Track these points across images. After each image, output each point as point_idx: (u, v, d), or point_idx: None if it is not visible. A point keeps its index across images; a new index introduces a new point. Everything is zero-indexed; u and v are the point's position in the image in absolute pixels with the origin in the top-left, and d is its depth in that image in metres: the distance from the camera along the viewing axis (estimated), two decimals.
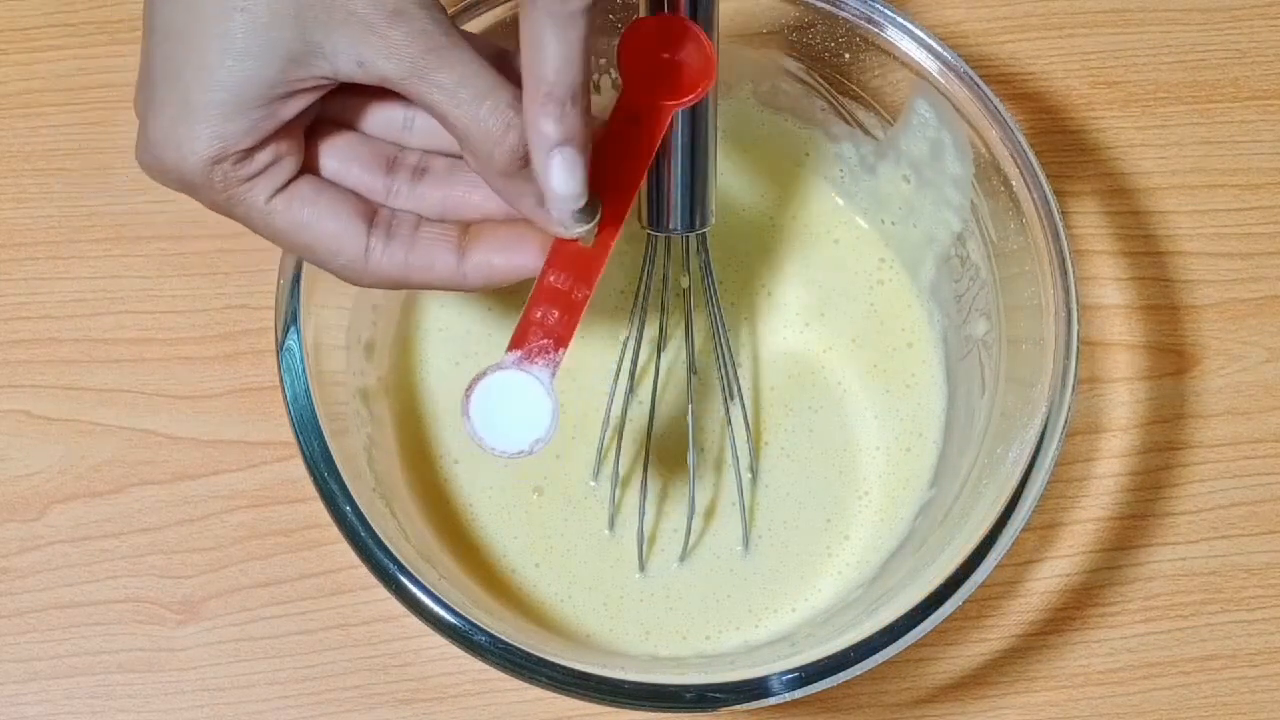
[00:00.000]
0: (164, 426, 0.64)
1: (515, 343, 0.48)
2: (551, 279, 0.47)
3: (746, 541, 0.61)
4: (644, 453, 0.60)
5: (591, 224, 0.46)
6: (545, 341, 0.48)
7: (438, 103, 0.44)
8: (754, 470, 0.62)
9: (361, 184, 0.48)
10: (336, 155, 0.48)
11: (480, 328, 0.63)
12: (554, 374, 0.48)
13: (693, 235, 0.54)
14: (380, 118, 0.48)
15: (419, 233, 0.47)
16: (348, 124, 0.48)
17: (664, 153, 0.52)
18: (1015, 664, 0.63)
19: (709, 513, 0.62)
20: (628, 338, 0.59)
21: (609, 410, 0.60)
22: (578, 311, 0.48)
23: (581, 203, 0.44)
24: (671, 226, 0.53)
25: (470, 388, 0.48)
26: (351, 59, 0.43)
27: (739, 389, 0.61)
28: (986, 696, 0.62)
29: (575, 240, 0.47)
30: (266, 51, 0.43)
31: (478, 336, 0.63)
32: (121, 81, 0.66)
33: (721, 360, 0.60)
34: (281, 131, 0.45)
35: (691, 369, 0.60)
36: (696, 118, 0.52)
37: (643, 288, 0.57)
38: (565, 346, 0.48)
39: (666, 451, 0.62)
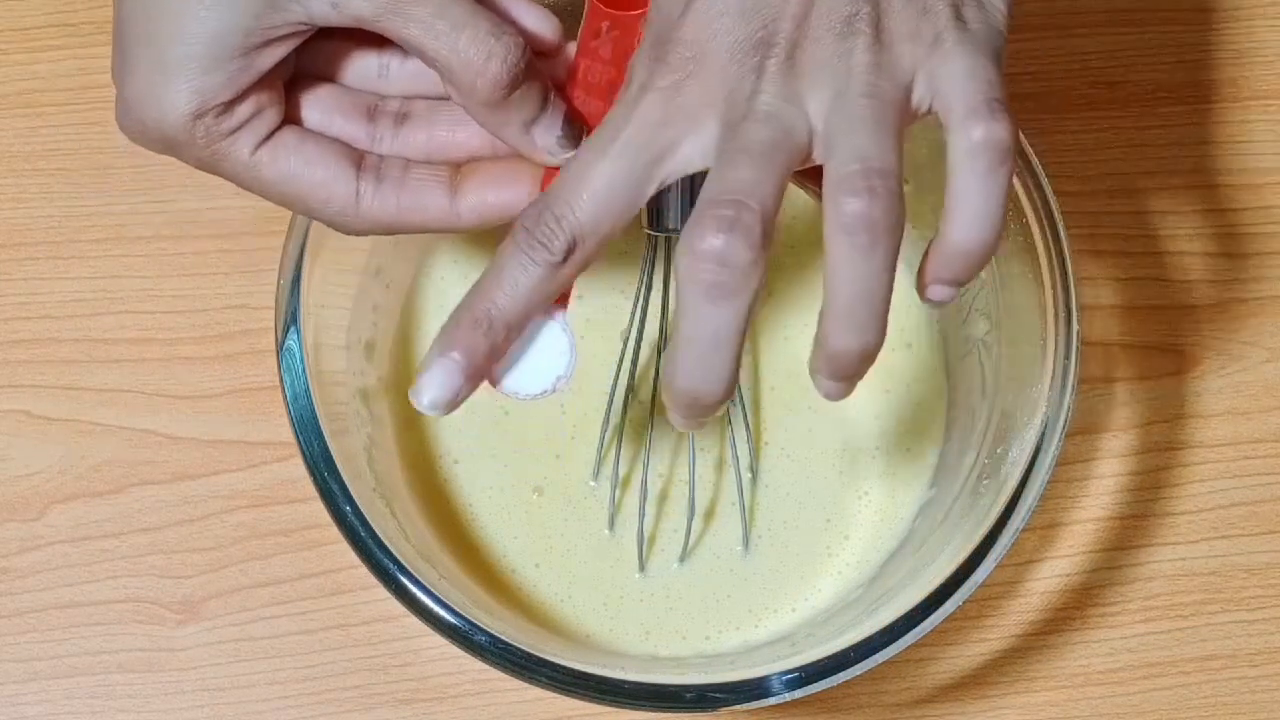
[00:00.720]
0: (164, 426, 0.64)
1: None
2: None
3: (746, 541, 0.61)
4: (644, 453, 0.60)
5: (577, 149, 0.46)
6: None
7: (415, 37, 0.43)
8: (754, 470, 0.62)
9: (345, 133, 0.47)
10: (318, 107, 0.47)
11: None
12: (565, 309, 0.47)
13: None
14: (356, 67, 0.48)
15: (409, 175, 0.47)
16: (326, 77, 0.48)
17: None
18: (1015, 664, 0.63)
19: (709, 513, 0.62)
20: (628, 337, 0.59)
21: (609, 410, 0.60)
22: None
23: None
24: (672, 226, 0.53)
25: None
26: (324, 0, 0.43)
27: (739, 389, 0.61)
28: (986, 696, 0.62)
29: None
30: (238, 0, 0.43)
31: None
32: None
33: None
34: (261, 83, 0.45)
35: None
36: None
37: (643, 287, 0.57)
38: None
39: (666, 452, 0.62)
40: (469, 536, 0.61)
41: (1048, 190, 0.56)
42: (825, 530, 0.62)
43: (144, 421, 0.64)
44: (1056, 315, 0.54)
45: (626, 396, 0.61)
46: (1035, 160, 0.56)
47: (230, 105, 0.44)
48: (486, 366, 0.44)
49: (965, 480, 0.57)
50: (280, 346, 0.54)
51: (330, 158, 0.46)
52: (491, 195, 0.47)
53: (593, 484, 0.62)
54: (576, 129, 0.46)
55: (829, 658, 0.51)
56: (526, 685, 0.51)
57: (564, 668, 0.51)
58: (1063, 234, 0.55)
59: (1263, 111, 0.70)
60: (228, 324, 0.65)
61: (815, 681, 0.51)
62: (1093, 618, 0.63)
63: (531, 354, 0.47)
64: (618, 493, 0.61)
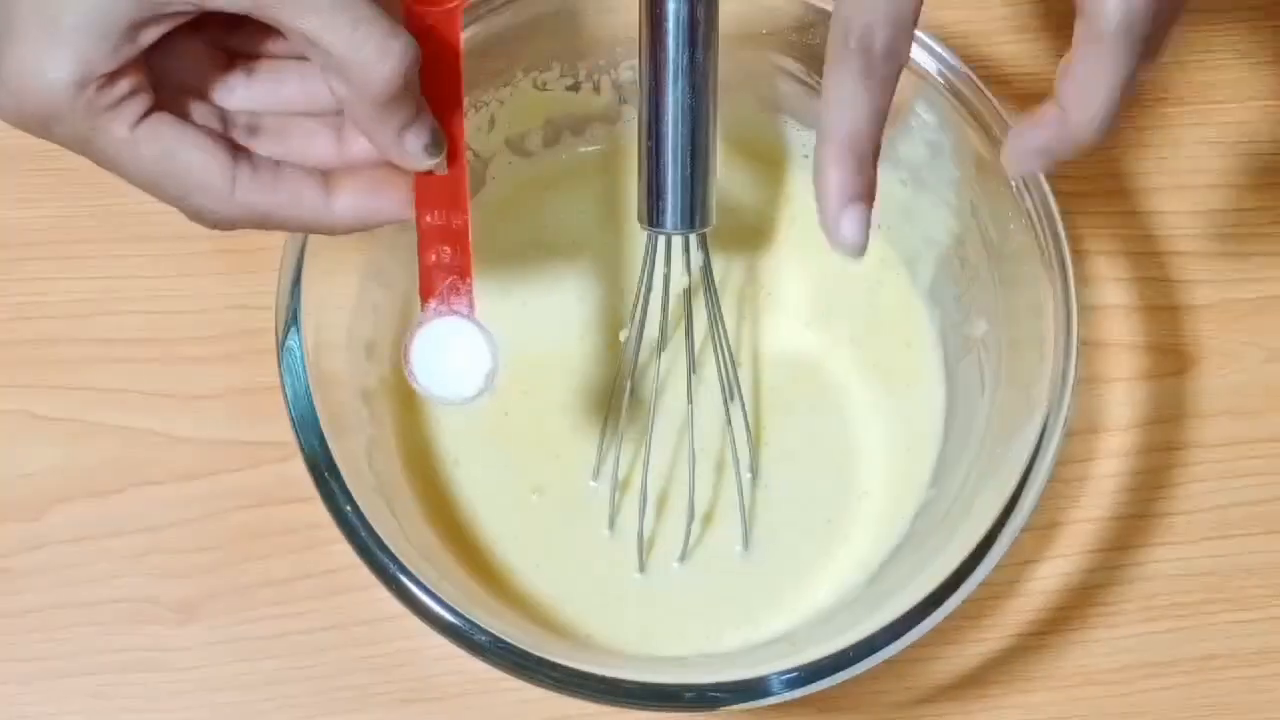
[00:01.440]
0: (164, 426, 0.64)
1: (425, 293, 0.48)
2: (428, 219, 0.48)
3: (746, 542, 0.61)
4: (644, 453, 0.60)
5: (442, 154, 0.47)
6: (451, 279, 0.48)
7: (313, 28, 0.43)
8: (754, 471, 0.62)
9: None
10: (176, 107, 0.47)
11: None
12: (472, 306, 0.48)
13: (692, 235, 0.55)
14: (204, 79, 0.48)
15: (282, 168, 0.47)
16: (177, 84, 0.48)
17: (662, 151, 0.52)
18: (1015, 664, 0.63)
19: (709, 513, 0.62)
20: (628, 337, 0.59)
21: (609, 410, 0.60)
22: (465, 238, 0.48)
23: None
24: (670, 226, 0.53)
25: (405, 353, 0.48)
26: None
27: (739, 389, 0.61)
28: (986, 696, 0.62)
29: (431, 172, 0.48)
30: None
31: None
32: None
33: (721, 361, 0.60)
34: (137, 63, 0.45)
35: (691, 369, 0.60)
36: (696, 118, 0.52)
37: (643, 288, 0.57)
38: (469, 276, 0.48)
39: (666, 452, 0.62)
40: (469, 536, 0.61)
41: (1047, 190, 0.56)
42: (825, 531, 0.62)
43: (144, 421, 0.64)
44: (1056, 315, 0.55)
45: (626, 397, 0.61)
46: None
47: (112, 78, 0.44)
48: (875, 189, 0.47)
49: (965, 480, 0.57)
50: (280, 346, 0.54)
51: (206, 141, 0.46)
52: (367, 200, 0.48)
53: (593, 484, 0.62)
54: (440, 136, 0.47)
55: (829, 657, 0.51)
56: (526, 685, 0.51)
57: (564, 668, 0.51)
58: (1063, 234, 0.55)
59: (1263, 111, 0.70)
60: (228, 324, 0.65)
61: (815, 681, 0.51)
62: (1092, 617, 0.63)
63: (457, 359, 0.48)
64: (618, 494, 0.61)
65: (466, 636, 0.51)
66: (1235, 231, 0.68)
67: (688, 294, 0.60)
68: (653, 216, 0.53)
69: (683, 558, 0.61)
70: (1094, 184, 0.68)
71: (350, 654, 0.61)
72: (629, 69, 0.64)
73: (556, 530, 0.61)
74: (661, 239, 0.56)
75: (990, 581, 0.52)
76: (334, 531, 0.52)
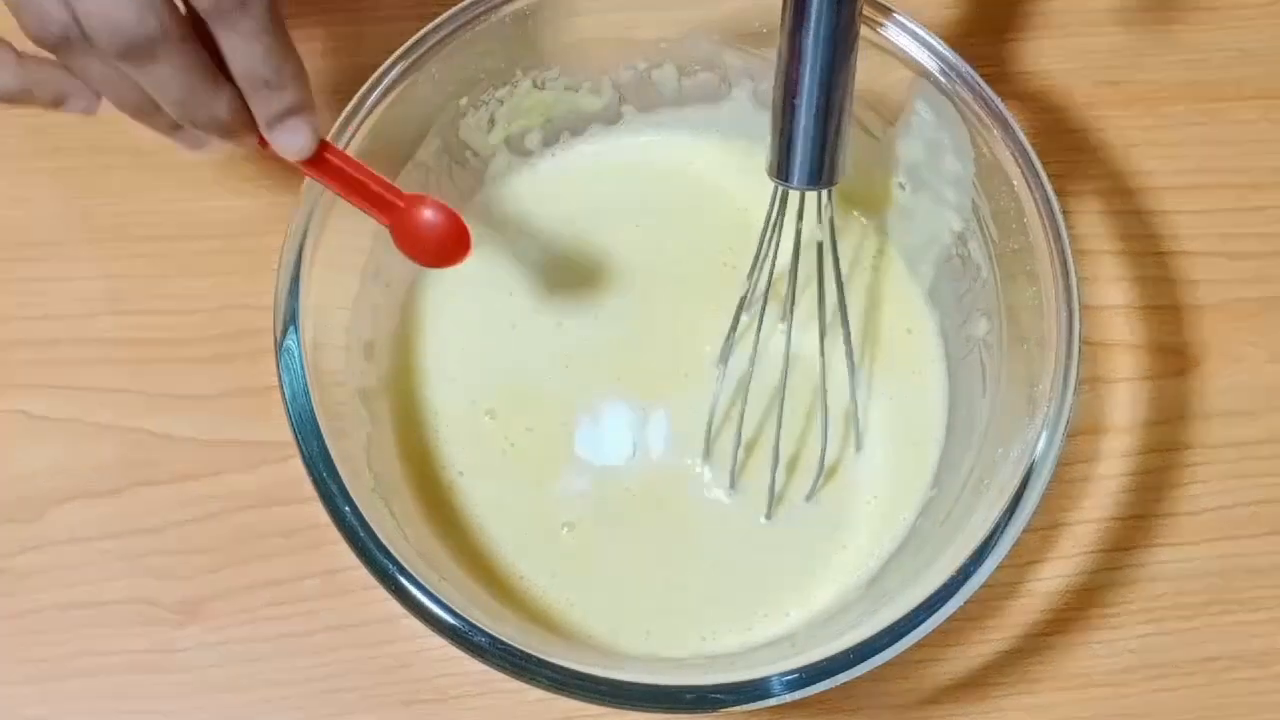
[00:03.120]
0: (164, 426, 0.64)
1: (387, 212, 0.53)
2: (336, 187, 0.53)
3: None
4: (739, 416, 0.60)
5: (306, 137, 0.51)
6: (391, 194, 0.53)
7: None
8: (858, 444, 0.62)
9: None
10: None
11: (480, 328, 0.63)
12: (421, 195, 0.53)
13: (817, 192, 0.55)
14: None
15: None
16: None
17: (795, 108, 0.53)
18: (1017, 665, 0.63)
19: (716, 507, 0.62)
20: (748, 290, 0.59)
21: (723, 374, 0.60)
22: (359, 168, 0.53)
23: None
24: (796, 182, 0.54)
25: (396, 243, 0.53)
26: None
27: (854, 363, 0.61)
28: (988, 698, 0.62)
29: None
30: None
31: (478, 336, 0.63)
32: None
33: (846, 339, 0.60)
34: None
35: (787, 350, 0.60)
36: (833, 78, 0.52)
37: (769, 243, 0.57)
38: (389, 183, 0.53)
39: (794, 417, 0.62)
40: (467, 533, 0.61)
41: (1049, 190, 0.56)
42: (827, 532, 0.61)
43: (144, 421, 0.64)
44: (1058, 315, 0.54)
45: (729, 345, 0.60)
46: (1036, 160, 0.56)
47: None
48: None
49: (967, 480, 0.57)
50: (279, 346, 0.54)
51: None
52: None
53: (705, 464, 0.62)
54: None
55: (829, 658, 0.51)
56: (527, 686, 0.51)
57: (564, 668, 0.51)
58: (1064, 233, 0.55)
59: (1265, 111, 0.70)
60: (228, 324, 0.65)
61: (816, 682, 0.51)
62: (1095, 619, 0.63)
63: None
64: (741, 453, 0.61)
65: (466, 638, 0.51)
66: (1238, 232, 0.68)
67: (818, 250, 0.59)
68: (781, 170, 0.54)
69: (773, 508, 0.61)
70: (1096, 183, 0.68)
71: (350, 655, 0.61)
72: (628, 69, 0.63)
73: (558, 527, 0.61)
74: (780, 193, 0.56)
75: (992, 582, 0.52)
76: (334, 532, 0.52)
